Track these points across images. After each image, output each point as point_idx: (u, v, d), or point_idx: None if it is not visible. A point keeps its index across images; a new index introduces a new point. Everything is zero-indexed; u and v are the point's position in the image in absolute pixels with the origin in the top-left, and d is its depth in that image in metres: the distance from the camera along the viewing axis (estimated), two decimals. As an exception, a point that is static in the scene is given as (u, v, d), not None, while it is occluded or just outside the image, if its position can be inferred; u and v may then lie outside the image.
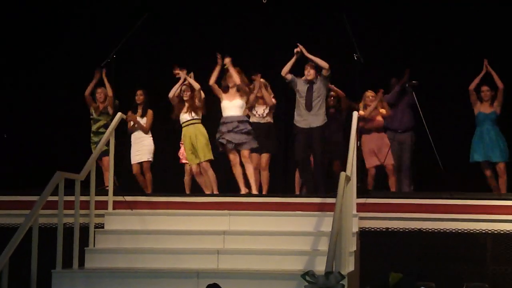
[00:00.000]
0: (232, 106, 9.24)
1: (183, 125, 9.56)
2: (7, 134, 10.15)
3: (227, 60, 9.32)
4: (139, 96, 10.16)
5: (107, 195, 8.27)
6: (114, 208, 8.25)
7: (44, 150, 10.70)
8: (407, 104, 10.11)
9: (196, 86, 9.54)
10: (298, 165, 9.51)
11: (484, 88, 9.73)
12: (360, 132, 9.49)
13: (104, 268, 7.26)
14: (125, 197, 8.45)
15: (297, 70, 9.41)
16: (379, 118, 9.82)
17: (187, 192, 9.74)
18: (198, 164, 9.44)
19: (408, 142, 10.03)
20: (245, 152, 9.18)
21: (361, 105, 9.67)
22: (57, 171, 7.04)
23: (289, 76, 9.41)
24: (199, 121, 9.53)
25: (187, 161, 9.88)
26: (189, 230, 7.75)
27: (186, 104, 9.53)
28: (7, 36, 11.07)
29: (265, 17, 11.04)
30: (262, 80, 9.59)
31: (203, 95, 9.64)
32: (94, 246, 7.65)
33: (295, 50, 9.30)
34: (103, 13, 11.27)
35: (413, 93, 9.71)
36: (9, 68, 10.99)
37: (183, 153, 9.94)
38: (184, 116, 9.53)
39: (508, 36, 10.47)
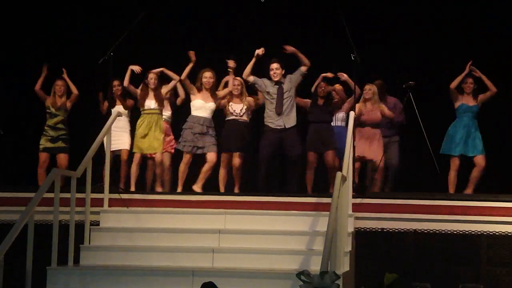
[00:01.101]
0: (205, 107, 9.32)
1: (146, 112, 9.48)
2: (4, 131, 10.10)
3: (232, 64, 9.31)
4: (117, 87, 9.76)
5: (103, 192, 8.27)
6: (109, 206, 8.23)
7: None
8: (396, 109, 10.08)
9: (175, 77, 9.49)
10: (263, 163, 9.35)
11: (469, 80, 9.60)
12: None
13: (99, 266, 7.26)
14: (121, 194, 8.45)
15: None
16: (378, 113, 9.73)
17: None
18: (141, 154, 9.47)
19: (394, 145, 9.99)
20: (211, 155, 9.26)
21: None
22: (53, 168, 7.03)
23: (251, 78, 9.34)
24: (161, 113, 9.57)
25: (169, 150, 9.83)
26: (184, 229, 7.75)
27: (151, 93, 9.49)
28: (6, 33, 11.06)
29: (262, 16, 11.03)
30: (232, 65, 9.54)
31: (182, 93, 9.71)
32: (89, 243, 7.64)
33: (256, 52, 9.26)
34: (101, 12, 11.27)
35: (410, 94, 9.68)
36: (5, 64, 10.97)
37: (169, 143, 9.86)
38: (150, 103, 9.47)
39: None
